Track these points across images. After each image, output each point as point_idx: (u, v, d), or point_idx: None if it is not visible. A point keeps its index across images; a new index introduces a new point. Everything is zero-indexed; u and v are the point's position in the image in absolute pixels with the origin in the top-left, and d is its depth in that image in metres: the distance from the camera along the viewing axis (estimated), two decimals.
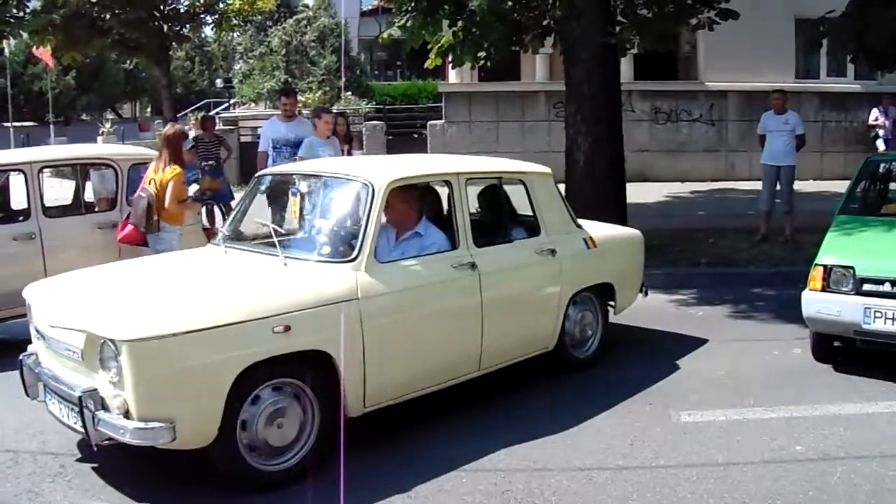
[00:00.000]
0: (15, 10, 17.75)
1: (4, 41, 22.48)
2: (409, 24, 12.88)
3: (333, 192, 7.20)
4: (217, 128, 17.26)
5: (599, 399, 7.34)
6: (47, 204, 10.03)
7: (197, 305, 5.69)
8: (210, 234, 10.28)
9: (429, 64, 14.75)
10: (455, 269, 6.86)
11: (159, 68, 18.97)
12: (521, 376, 7.74)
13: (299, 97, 30.09)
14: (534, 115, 22.54)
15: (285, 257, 6.42)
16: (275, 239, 6.47)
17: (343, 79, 31.93)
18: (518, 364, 7.58)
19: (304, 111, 17.02)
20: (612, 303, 8.65)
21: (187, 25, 18.65)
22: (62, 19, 16.84)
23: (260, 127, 28.41)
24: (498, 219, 8.03)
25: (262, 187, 7.87)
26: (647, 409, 7.12)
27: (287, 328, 5.68)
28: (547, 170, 8.32)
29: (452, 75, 26.58)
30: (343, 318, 5.91)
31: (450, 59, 14.10)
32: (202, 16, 19.11)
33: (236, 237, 7.34)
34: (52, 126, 42.78)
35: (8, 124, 43.39)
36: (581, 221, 8.44)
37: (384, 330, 6.29)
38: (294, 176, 7.62)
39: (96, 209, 10.95)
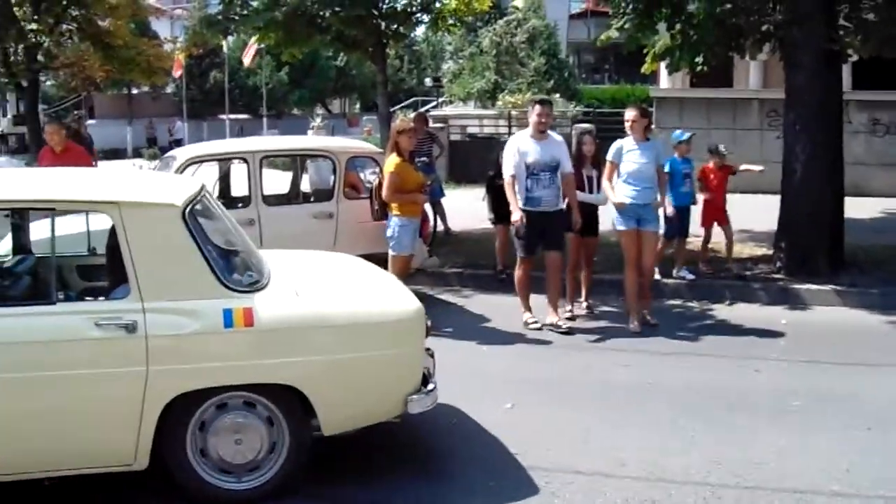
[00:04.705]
0: (239, 9, 18.52)
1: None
2: (625, 25, 12.75)
3: None
4: (429, 125, 17.49)
5: (815, 419, 7.05)
6: (266, 192, 10.40)
7: None
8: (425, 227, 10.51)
9: (646, 69, 14.62)
10: None
11: (376, 66, 19.40)
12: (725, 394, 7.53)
13: (508, 98, 30.46)
14: (746, 122, 21.92)
15: None
16: None
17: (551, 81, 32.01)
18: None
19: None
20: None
21: (403, 24, 18.97)
22: (283, 16, 17.41)
23: (469, 126, 28.93)
24: (33, 268, 5.94)
25: None
26: (865, 433, 6.75)
27: None
28: (161, 199, 5.57)
29: (664, 80, 26.18)
30: None
31: (666, 63, 13.90)
32: (418, 15, 19.39)
33: None
34: (265, 119, 44.63)
35: (224, 116, 45.49)
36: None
37: None
38: None
39: (312, 199, 11.35)
